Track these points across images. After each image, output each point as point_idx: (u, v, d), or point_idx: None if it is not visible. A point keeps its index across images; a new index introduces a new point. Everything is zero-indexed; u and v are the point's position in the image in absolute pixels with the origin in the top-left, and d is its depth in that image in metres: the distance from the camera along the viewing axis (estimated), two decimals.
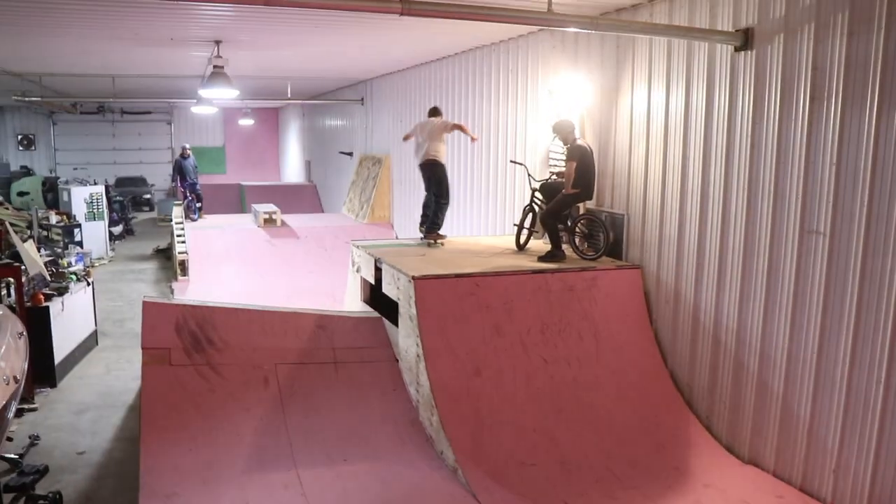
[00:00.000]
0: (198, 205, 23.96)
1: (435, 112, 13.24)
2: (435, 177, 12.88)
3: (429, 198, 13.06)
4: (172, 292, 18.14)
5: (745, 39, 8.88)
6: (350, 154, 26.89)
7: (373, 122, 23.97)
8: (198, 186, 24.37)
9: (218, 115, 42.98)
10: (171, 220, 25.06)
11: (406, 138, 13.59)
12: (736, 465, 9.00)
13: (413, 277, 9.76)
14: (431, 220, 12.91)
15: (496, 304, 9.91)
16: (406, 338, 9.89)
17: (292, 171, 39.79)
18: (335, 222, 22.88)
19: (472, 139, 13.20)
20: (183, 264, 19.52)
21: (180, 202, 25.03)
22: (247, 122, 36.50)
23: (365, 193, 23.25)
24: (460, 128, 12.82)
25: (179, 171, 24.56)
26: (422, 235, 13.00)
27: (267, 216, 22.02)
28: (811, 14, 8.10)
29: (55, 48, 15.63)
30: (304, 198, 32.33)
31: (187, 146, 25.18)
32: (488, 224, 15.37)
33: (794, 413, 8.51)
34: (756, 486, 8.57)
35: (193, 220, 23.37)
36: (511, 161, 13.81)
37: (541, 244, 12.54)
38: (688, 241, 9.92)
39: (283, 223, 22.16)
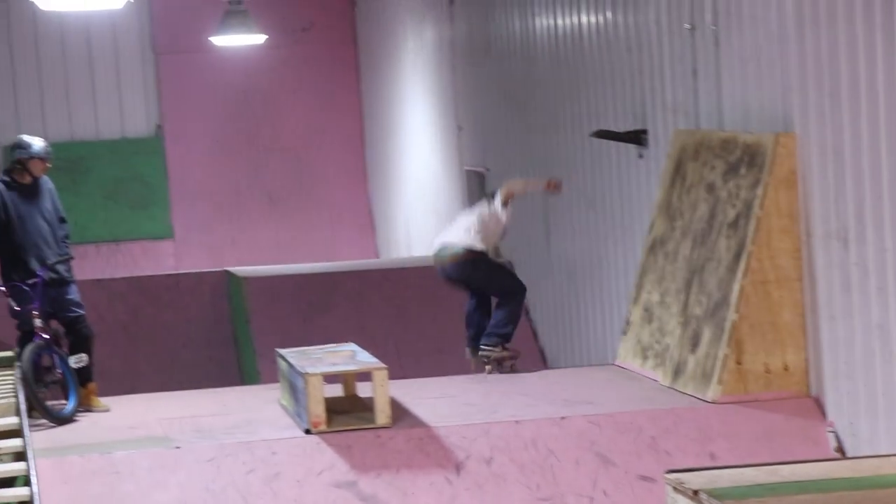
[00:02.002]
0: (74, 360, 8.03)
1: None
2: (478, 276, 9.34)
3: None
4: None
5: None
6: (636, 137, 9.51)
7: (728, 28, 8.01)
8: (72, 293, 8.24)
9: (133, 35, 18.13)
10: None
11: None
12: None
13: None
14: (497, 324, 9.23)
15: None
16: None
17: (418, 216, 16.59)
18: (605, 406, 7.54)
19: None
20: None
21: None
22: (238, 39, 15.08)
23: (711, 273, 7.61)
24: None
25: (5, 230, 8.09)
26: (485, 362, 9.08)
27: (348, 402, 7.80)
28: None
29: None
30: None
31: (32, 141, 8.21)
32: None
33: None
34: None
35: (58, 418, 7.86)
36: None
37: None
38: None
39: (406, 418, 7.43)
